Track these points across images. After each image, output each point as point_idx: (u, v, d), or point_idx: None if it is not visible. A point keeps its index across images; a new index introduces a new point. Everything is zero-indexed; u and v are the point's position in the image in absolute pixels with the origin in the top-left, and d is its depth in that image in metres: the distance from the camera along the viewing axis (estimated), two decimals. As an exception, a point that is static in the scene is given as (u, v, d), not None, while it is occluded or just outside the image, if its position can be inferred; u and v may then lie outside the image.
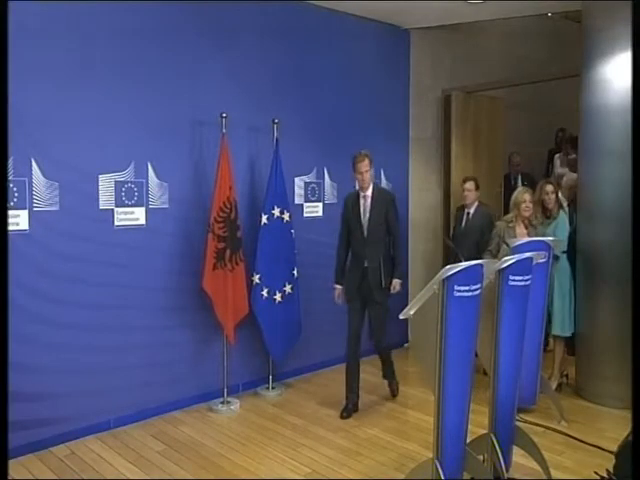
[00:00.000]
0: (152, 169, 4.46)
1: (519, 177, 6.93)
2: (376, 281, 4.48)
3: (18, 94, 3.55)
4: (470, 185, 5.33)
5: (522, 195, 4.89)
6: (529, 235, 4.75)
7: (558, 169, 7.16)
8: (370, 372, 5.39)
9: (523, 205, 4.83)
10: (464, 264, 2.79)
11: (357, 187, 4.66)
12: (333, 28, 5.59)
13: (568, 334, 4.94)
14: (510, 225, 4.87)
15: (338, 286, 4.65)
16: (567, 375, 5.13)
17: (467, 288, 2.74)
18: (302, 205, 5.44)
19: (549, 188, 4.99)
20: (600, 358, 4.72)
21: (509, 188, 6.49)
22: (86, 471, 3.73)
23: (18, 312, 3.68)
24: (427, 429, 3.93)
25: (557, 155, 7.31)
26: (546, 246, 3.80)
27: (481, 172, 6.76)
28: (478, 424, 3.39)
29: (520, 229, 4.85)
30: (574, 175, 5.89)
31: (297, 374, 5.38)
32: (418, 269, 6.34)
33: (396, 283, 4.53)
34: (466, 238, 5.31)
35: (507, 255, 3.51)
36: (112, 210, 4.27)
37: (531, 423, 4.21)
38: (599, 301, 4.74)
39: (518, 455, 3.53)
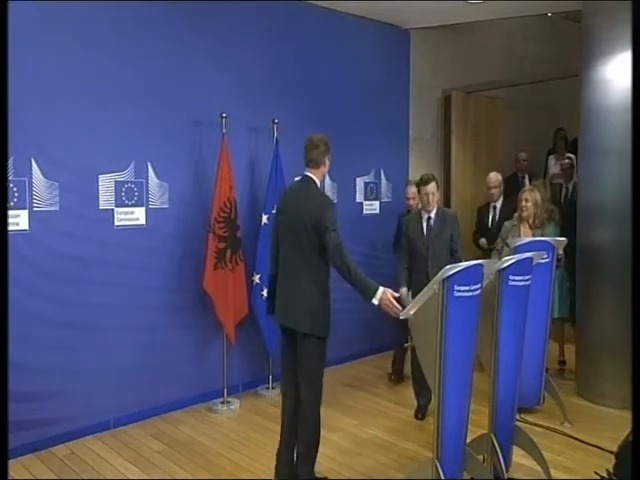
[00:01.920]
0: (152, 169, 4.46)
1: (526, 176, 6.92)
2: None
3: (18, 94, 3.54)
4: (433, 187, 4.29)
5: (521, 195, 4.89)
6: (534, 236, 4.74)
7: (552, 169, 7.17)
8: (370, 372, 5.40)
9: (520, 204, 4.83)
10: (464, 264, 2.79)
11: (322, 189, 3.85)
12: (333, 28, 5.59)
13: (556, 315, 5.09)
14: (515, 224, 4.88)
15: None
16: (564, 361, 5.38)
17: (467, 288, 2.74)
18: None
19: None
20: (600, 358, 4.72)
21: (516, 187, 6.47)
22: (86, 471, 3.73)
23: (18, 312, 3.67)
24: (427, 429, 3.94)
25: (551, 156, 7.32)
26: (549, 246, 3.79)
27: (481, 172, 6.76)
28: (478, 424, 3.39)
29: (525, 229, 4.84)
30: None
31: (297, 374, 5.37)
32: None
33: None
34: (432, 246, 4.33)
35: (508, 255, 3.51)
36: (112, 210, 4.27)
37: (531, 423, 4.21)
38: (599, 301, 4.74)
39: (518, 455, 3.53)
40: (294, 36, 5.28)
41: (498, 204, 5.56)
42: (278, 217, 3.50)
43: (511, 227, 4.88)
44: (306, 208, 3.25)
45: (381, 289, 3.08)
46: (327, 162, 3.41)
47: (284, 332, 3.38)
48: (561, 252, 4.23)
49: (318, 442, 3.38)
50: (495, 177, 5.57)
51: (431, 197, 4.27)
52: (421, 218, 4.40)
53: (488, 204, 5.70)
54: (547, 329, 4.09)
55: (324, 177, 3.52)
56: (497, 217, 5.52)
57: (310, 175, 3.37)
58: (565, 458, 3.82)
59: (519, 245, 3.89)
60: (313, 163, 3.36)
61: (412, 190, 5.00)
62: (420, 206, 4.47)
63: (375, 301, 3.07)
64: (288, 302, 3.32)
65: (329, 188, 5.66)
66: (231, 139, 4.64)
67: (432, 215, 4.35)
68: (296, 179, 3.70)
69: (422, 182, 4.31)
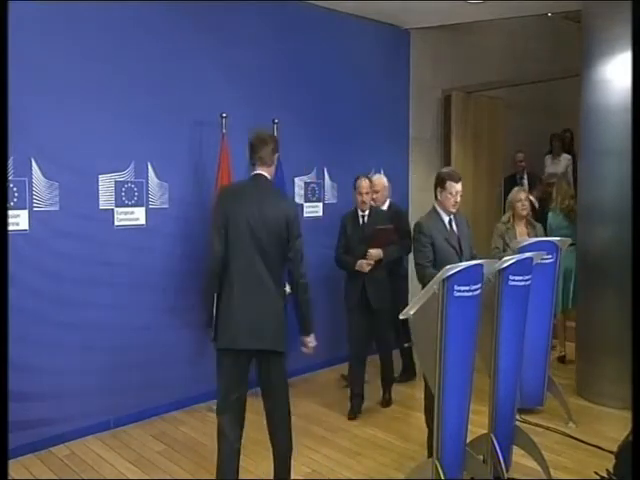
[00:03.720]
0: (152, 169, 4.46)
1: (525, 176, 6.94)
2: None
3: (18, 94, 3.54)
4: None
5: (517, 194, 4.88)
6: (529, 235, 4.74)
7: (549, 169, 7.20)
8: (371, 372, 5.39)
9: (519, 204, 4.82)
10: (464, 264, 2.79)
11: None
12: (333, 28, 5.59)
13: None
14: (508, 226, 4.85)
15: None
16: (564, 357, 5.57)
17: (467, 288, 2.74)
18: (302, 205, 5.43)
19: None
20: (600, 358, 4.72)
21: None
22: (86, 471, 3.73)
23: (18, 312, 3.67)
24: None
25: (548, 155, 7.36)
26: (553, 246, 3.78)
27: (481, 172, 6.77)
28: (478, 424, 3.39)
29: (520, 228, 4.83)
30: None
31: (297, 374, 5.37)
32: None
33: None
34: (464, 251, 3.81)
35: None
36: (112, 210, 4.28)
37: (531, 424, 4.21)
38: (599, 301, 4.74)
39: (518, 455, 3.53)
40: (294, 36, 5.28)
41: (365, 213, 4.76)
42: (234, 222, 2.99)
43: (505, 228, 4.86)
44: (275, 212, 2.99)
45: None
46: (275, 160, 3.17)
47: (237, 355, 2.99)
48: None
49: (291, 456, 3.26)
50: (379, 180, 5.02)
51: (459, 197, 3.58)
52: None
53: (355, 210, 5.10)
54: (550, 330, 4.08)
55: (273, 175, 3.21)
56: (366, 225, 4.71)
57: (266, 175, 3.11)
58: (565, 458, 3.82)
59: (523, 246, 3.86)
60: (262, 161, 3.10)
61: (366, 183, 4.57)
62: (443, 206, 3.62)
63: (310, 338, 3.15)
64: (258, 321, 2.96)
65: (329, 188, 5.66)
66: (231, 139, 4.64)
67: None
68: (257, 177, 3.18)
69: (452, 178, 3.56)
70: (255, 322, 2.96)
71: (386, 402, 4.80)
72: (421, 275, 3.51)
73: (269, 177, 3.11)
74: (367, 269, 4.44)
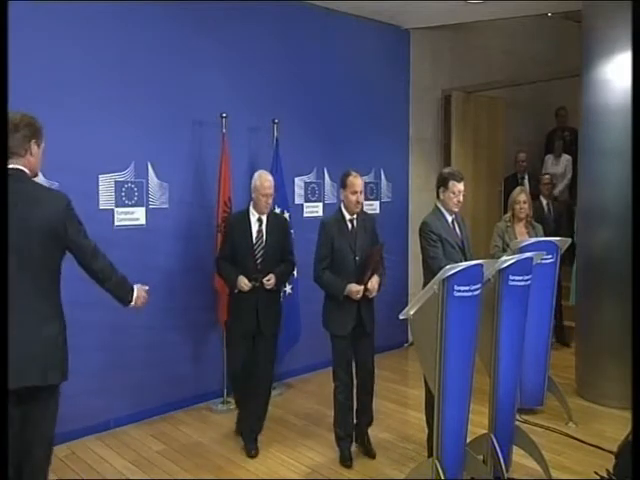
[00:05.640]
0: (152, 169, 4.46)
1: (526, 176, 6.94)
2: None
3: (18, 94, 3.54)
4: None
5: (517, 196, 4.88)
6: (529, 235, 4.75)
7: (549, 169, 7.20)
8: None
9: (517, 206, 4.84)
10: (464, 264, 2.80)
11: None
12: (333, 28, 5.59)
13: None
14: (508, 224, 4.87)
15: None
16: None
17: (467, 288, 2.74)
18: (302, 205, 5.43)
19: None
20: (600, 358, 4.71)
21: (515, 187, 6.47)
22: (86, 471, 3.73)
23: (18, 312, 3.67)
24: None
25: (547, 156, 7.36)
26: (553, 246, 3.78)
27: (481, 172, 6.77)
28: (478, 424, 3.39)
29: (519, 228, 4.85)
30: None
31: (297, 374, 5.37)
32: (418, 269, 6.32)
33: None
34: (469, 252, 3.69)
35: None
36: (112, 210, 4.27)
37: (530, 424, 4.21)
38: (599, 301, 4.74)
39: (518, 455, 3.53)
40: (294, 36, 5.28)
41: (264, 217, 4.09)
42: None
43: (505, 228, 4.87)
44: (37, 215, 2.42)
45: (135, 286, 2.84)
46: (36, 148, 2.51)
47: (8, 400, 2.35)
48: None
49: None
50: (270, 181, 4.13)
51: (462, 197, 3.57)
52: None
53: (247, 212, 4.10)
54: (550, 330, 4.08)
55: (37, 168, 2.59)
56: (265, 233, 4.03)
57: (20, 168, 2.45)
58: (565, 458, 3.82)
59: (523, 246, 3.87)
60: (11, 151, 2.43)
61: (361, 181, 3.85)
62: (446, 205, 3.60)
63: (133, 302, 2.80)
64: (24, 352, 2.39)
65: (329, 188, 5.66)
66: (231, 139, 4.64)
67: (454, 217, 3.68)
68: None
69: (455, 177, 3.55)
70: (19, 357, 2.37)
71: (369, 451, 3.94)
72: (437, 269, 3.08)
73: (27, 170, 2.47)
74: (358, 297, 3.68)
